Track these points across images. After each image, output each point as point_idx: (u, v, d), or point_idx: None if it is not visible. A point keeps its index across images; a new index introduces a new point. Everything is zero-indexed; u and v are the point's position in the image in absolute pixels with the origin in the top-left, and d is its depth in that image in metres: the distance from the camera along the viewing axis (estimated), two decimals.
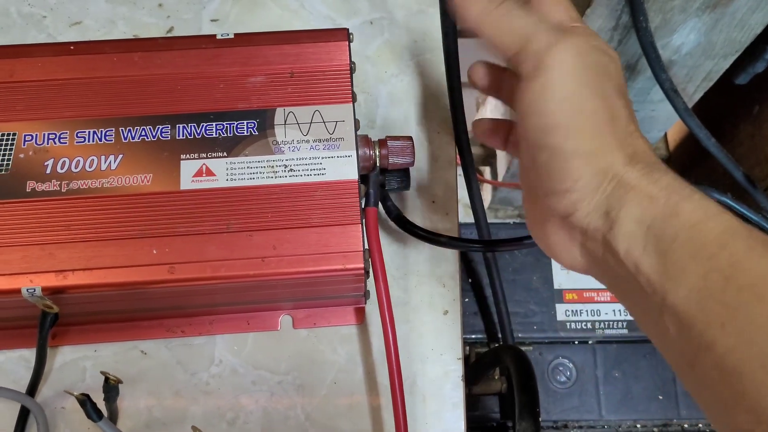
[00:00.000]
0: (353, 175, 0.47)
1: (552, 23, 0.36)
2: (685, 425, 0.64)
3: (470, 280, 0.69)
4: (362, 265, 0.45)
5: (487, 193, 0.98)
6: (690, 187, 0.34)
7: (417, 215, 0.57)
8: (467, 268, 0.69)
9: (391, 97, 0.61)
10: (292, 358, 0.53)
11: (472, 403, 0.67)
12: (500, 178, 0.93)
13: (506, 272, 0.68)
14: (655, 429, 0.65)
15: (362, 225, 0.47)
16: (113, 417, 0.48)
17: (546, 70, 0.34)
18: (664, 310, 0.32)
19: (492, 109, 0.95)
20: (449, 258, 0.56)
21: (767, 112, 0.72)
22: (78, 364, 0.53)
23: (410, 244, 0.56)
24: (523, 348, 0.67)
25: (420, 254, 0.56)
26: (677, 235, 0.32)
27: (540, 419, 0.45)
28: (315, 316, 0.54)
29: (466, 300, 0.69)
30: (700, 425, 0.65)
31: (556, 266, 0.69)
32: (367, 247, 0.47)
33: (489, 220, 0.62)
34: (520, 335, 0.67)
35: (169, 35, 0.61)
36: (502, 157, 0.93)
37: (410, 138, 0.51)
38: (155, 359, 0.53)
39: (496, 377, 0.64)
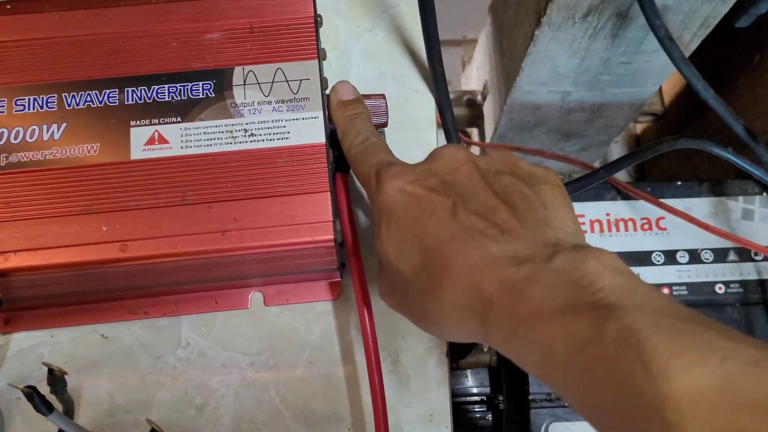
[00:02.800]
0: (320, 138, 0.43)
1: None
2: None
3: None
4: (332, 237, 0.42)
5: None
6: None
7: None
8: None
9: (364, 54, 0.56)
10: (264, 337, 0.50)
11: (461, 376, 0.64)
12: (488, 140, 0.89)
13: None
14: None
15: (332, 192, 0.42)
16: (69, 408, 0.44)
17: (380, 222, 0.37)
18: None
19: (478, 66, 0.91)
20: None
21: None
22: (34, 351, 0.49)
23: None
24: None
25: None
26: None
27: (530, 397, 0.42)
28: (287, 292, 0.50)
29: None
30: None
31: None
32: (337, 216, 0.43)
33: None
34: None
35: None
36: (489, 118, 0.88)
37: (383, 96, 0.47)
38: (117, 343, 0.49)
39: (486, 349, 0.60)
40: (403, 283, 0.36)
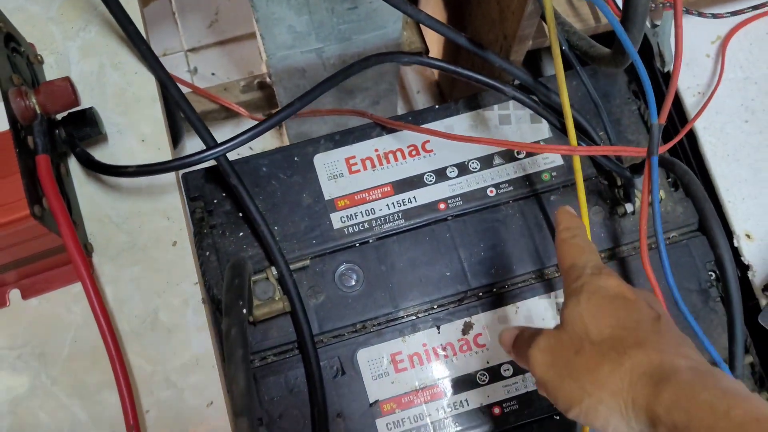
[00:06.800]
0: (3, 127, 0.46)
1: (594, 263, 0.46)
2: (479, 293, 0.66)
3: (240, 215, 0.67)
4: (27, 212, 0.45)
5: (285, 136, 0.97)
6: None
7: (127, 157, 0.56)
8: (233, 198, 0.67)
9: (82, 51, 0.59)
10: (29, 329, 0.52)
11: (266, 330, 0.65)
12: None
13: (274, 198, 0.67)
14: (450, 306, 0.66)
15: (23, 175, 0.45)
16: None
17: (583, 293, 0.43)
18: None
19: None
20: (169, 190, 0.56)
21: None
22: None
23: (127, 187, 0.55)
24: (301, 263, 0.66)
25: (139, 195, 0.56)
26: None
27: (245, 312, 0.45)
28: (41, 281, 0.53)
29: (241, 234, 0.68)
30: (494, 290, 0.66)
31: (323, 178, 0.69)
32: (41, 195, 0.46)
33: None
34: (300, 253, 0.67)
35: None
36: None
37: (67, 78, 0.50)
38: None
39: (277, 297, 0.63)
40: (581, 342, 0.41)
